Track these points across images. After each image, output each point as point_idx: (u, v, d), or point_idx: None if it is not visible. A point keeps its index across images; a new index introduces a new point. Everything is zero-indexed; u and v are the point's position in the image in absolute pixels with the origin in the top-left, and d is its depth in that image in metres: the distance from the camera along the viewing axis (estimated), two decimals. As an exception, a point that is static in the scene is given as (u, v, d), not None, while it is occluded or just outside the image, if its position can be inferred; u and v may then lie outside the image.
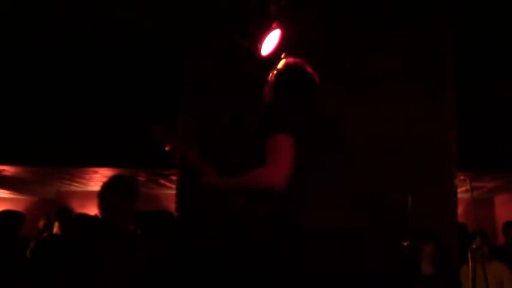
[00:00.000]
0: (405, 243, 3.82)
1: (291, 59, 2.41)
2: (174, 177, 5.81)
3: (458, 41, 4.60)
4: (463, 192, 5.85)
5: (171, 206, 5.19)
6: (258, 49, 2.56)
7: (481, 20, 4.55)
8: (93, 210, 7.39)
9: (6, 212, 4.52)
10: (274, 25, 2.10)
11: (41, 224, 6.11)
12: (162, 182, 8.84)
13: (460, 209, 5.04)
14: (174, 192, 5.18)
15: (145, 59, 5.36)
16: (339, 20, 4.24)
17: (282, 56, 2.40)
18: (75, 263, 3.10)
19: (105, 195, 3.34)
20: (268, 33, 2.38)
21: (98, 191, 3.41)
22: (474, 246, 3.65)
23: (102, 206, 3.35)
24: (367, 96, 4.39)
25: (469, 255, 3.72)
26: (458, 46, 4.62)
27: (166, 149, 2.37)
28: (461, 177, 4.92)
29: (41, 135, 5.68)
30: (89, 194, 9.87)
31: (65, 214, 5.65)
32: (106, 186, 3.39)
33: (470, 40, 4.86)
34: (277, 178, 2.04)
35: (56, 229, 5.43)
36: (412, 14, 4.34)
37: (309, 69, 2.38)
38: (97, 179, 8.50)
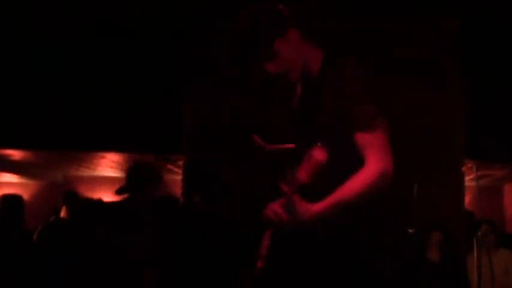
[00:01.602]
0: (410, 231, 3.80)
1: None
2: (181, 162, 5.80)
3: (469, 28, 4.55)
4: (471, 180, 5.81)
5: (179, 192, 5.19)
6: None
7: (490, 8, 4.51)
8: (100, 194, 7.43)
9: (5, 196, 4.49)
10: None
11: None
12: (170, 167, 8.84)
13: (468, 197, 5.02)
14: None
15: (150, 45, 5.35)
16: (346, 10, 4.20)
17: None
18: (80, 247, 3.12)
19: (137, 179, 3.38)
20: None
21: (127, 175, 3.42)
22: (480, 234, 3.63)
23: (130, 189, 3.36)
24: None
25: (475, 243, 3.70)
26: (468, 34, 4.57)
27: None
28: (469, 165, 4.88)
29: (49, 120, 5.69)
30: (96, 179, 9.91)
31: (72, 198, 5.67)
32: (138, 170, 3.42)
33: (481, 28, 4.81)
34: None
35: (63, 213, 5.45)
36: (421, 4, 4.30)
37: None
38: (104, 163, 8.53)
